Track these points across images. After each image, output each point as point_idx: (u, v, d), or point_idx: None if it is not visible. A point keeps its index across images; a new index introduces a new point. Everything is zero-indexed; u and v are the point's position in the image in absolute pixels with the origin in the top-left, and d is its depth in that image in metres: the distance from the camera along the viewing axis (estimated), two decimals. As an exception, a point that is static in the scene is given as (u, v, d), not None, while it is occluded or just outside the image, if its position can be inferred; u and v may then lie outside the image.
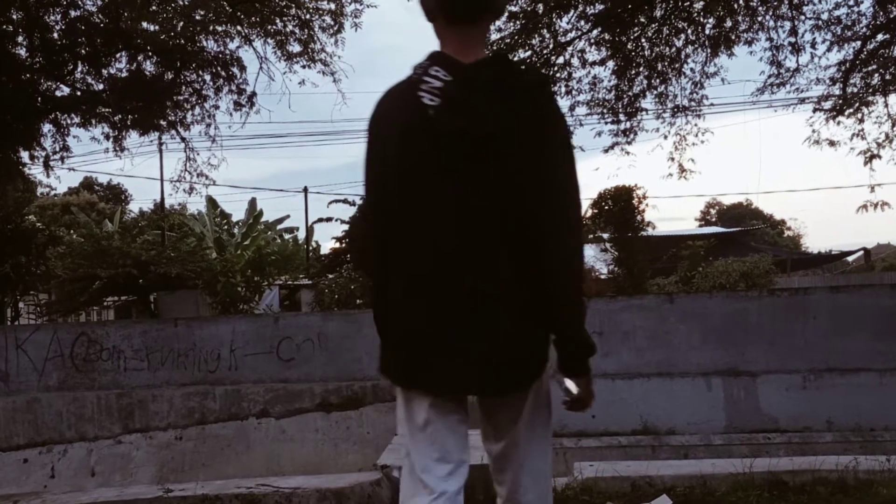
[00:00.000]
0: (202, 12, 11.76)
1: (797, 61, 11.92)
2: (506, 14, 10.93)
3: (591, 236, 17.89)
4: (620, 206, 15.54)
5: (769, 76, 12.18)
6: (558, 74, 12.37)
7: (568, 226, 2.10)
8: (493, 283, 2.07)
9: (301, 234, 37.11)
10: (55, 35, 11.98)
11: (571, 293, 2.10)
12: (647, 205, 16.65)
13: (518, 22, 11.18)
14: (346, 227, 17.59)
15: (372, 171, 2.22)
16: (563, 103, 13.01)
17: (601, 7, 11.29)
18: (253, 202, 32.29)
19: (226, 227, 31.65)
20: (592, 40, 11.98)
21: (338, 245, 18.20)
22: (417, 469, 2.18)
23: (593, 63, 12.28)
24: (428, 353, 2.12)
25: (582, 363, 2.13)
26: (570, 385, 2.16)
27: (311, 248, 34.35)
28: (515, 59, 11.83)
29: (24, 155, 13.16)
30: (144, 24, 11.68)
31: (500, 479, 2.27)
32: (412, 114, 2.08)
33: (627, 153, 13.36)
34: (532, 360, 2.14)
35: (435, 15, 2.20)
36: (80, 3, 11.77)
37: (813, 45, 11.68)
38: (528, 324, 2.10)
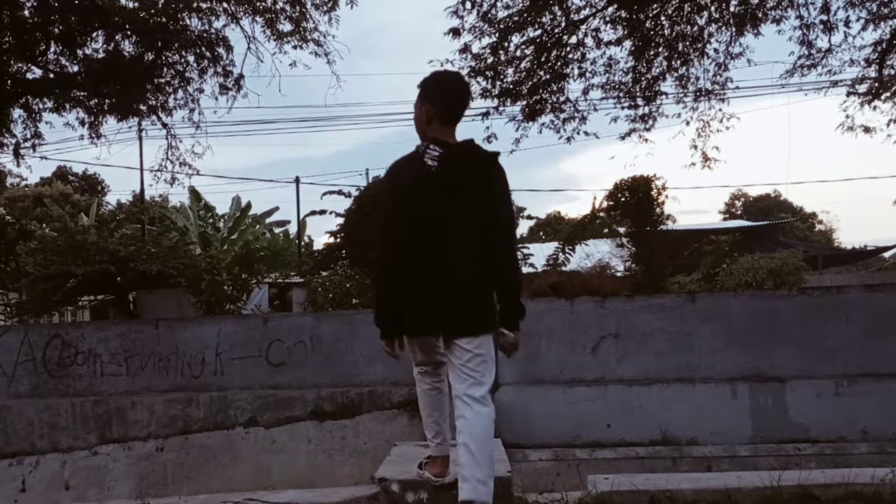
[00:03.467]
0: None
1: (829, 41, 11.90)
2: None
3: (606, 230, 17.87)
4: (638, 197, 15.49)
5: (799, 57, 12.16)
6: (571, 55, 12.36)
7: (512, 236, 4.28)
8: (472, 272, 3.97)
9: (292, 228, 37.21)
10: (26, 12, 11.97)
11: (518, 277, 4.14)
12: (666, 196, 16.59)
13: (527, -3, 11.17)
14: (341, 220, 17.56)
15: (396, 201, 4.08)
16: (577, 86, 13.03)
17: (617, -19, 11.28)
18: (238, 200, 32.28)
19: (211, 220, 31.67)
20: (608, 18, 11.96)
21: (332, 240, 18.16)
22: (420, 366, 4.22)
23: (609, 43, 12.26)
24: (431, 313, 3.97)
25: (518, 322, 4.06)
26: (510, 336, 4.04)
27: (303, 243, 34.40)
28: (525, 38, 11.85)
29: (-7, 142, 13.16)
30: (123, 1, 11.67)
31: (458, 412, 3.95)
32: (422, 171, 4.00)
33: (646, 140, 13.38)
34: (490, 317, 4.05)
35: (432, 119, 4.09)
36: (53, -23, 11.76)
37: (846, 23, 11.66)
38: (489, 296, 4.05)
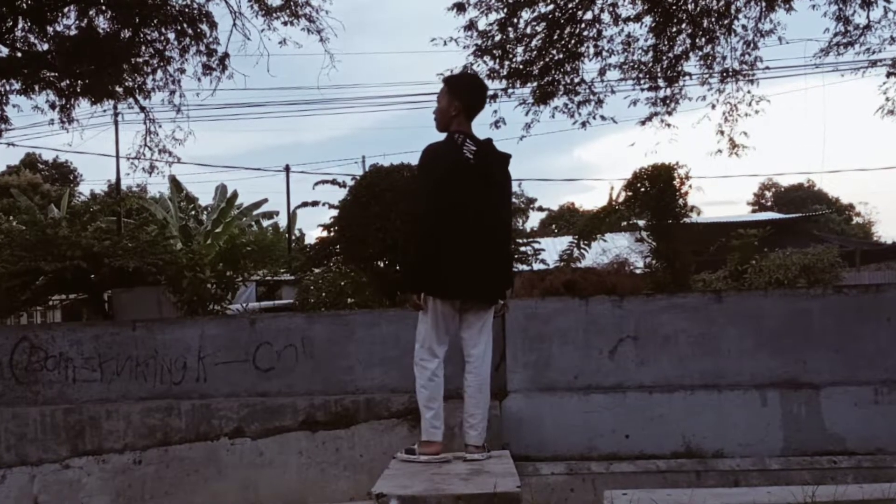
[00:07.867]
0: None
1: (868, 17, 11.90)
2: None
3: (624, 223, 17.87)
4: (659, 187, 15.48)
5: (835, 34, 12.16)
6: (586, 32, 12.35)
7: (511, 227, 6.10)
8: (494, 250, 5.55)
9: (282, 221, 37.31)
10: (-9, -14, 11.97)
11: (511, 255, 6.53)
12: (690, 186, 16.59)
13: (539, -30, 11.16)
14: (335, 212, 17.55)
15: (433, 182, 5.49)
16: (592, 66, 13.03)
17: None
18: (223, 189, 32.30)
19: (193, 212, 31.78)
20: (626, -9, 11.94)
21: (325, 234, 18.16)
22: (429, 345, 5.53)
23: (627, 19, 12.27)
24: (461, 279, 5.41)
25: (508, 291, 5.88)
26: (501, 302, 5.78)
27: (293, 237, 34.48)
28: (536, 13, 11.84)
29: (-44, 128, 13.17)
30: (96, -27, 11.66)
31: (469, 353, 5.60)
32: (460, 160, 5.43)
33: (668, 125, 13.41)
34: (502, 288, 5.72)
35: (460, 113, 5.52)
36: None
37: (887, -4, 11.63)
38: (500, 269, 5.66)
